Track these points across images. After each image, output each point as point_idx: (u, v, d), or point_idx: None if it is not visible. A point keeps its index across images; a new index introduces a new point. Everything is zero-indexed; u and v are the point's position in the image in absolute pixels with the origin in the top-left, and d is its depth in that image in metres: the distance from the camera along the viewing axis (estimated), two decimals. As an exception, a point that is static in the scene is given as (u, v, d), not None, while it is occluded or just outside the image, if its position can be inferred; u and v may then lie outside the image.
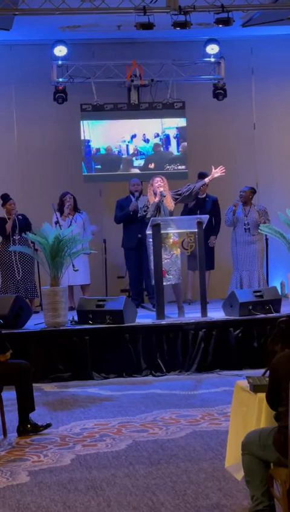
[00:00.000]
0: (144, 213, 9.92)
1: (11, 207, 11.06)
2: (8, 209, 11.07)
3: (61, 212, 11.19)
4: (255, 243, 11.21)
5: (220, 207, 11.55)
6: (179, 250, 9.86)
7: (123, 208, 11.27)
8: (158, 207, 9.87)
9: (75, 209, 11.33)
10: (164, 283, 9.84)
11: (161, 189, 9.88)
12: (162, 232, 9.66)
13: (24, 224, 10.88)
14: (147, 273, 10.93)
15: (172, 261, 9.80)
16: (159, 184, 9.92)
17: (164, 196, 9.85)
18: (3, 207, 11.14)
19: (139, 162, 12.07)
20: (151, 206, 9.88)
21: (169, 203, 9.96)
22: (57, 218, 10.80)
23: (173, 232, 9.81)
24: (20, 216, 11.05)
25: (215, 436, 6.59)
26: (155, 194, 9.93)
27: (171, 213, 9.97)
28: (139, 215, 10.17)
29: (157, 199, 9.86)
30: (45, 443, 6.63)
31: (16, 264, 10.96)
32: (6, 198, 11.13)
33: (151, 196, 9.97)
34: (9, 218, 11.02)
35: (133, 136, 12.04)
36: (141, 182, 11.76)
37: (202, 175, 11.31)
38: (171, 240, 9.82)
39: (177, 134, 12.10)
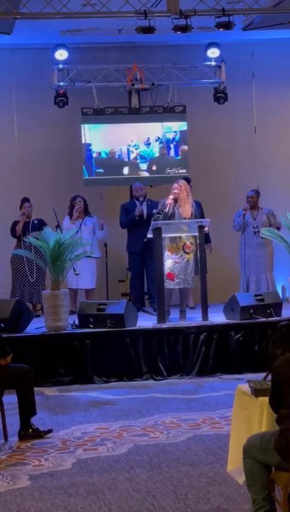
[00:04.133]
0: (157, 218, 9.91)
1: (24, 210, 11.11)
2: (21, 212, 11.13)
3: (71, 215, 11.21)
4: (265, 246, 11.21)
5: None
6: (192, 255, 9.82)
7: (128, 213, 11.25)
8: (172, 214, 9.88)
9: (86, 212, 11.33)
10: (172, 287, 9.85)
11: (170, 200, 9.86)
12: (175, 235, 9.69)
13: (39, 228, 10.79)
14: (151, 276, 10.94)
15: (182, 265, 9.79)
16: (175, 191, 9.93)
17: (171, 203, 9.88)
18: (20, 210, 11.21)
19: (141, 166, 12.05)
20: (162, 214, 9.88)
21: (186, 211, 9.95)
22: (58, 222, 10.78)
23: (186, 236, 9.79)
24: (35, 221, 11.08)
25: (216, 440, 6.59)
26: (175, 200, 9.94)
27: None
28: (153, 218, 10.14)
29: (166, 209, 9.86)
30: (46, 447, 6.62)
31: (29, 267, 10.97)
32: (22, 201, 11.25)
33: (169, 200, 9.98)
34: (21, 221, 11.08)
35: (138, 140, 12.01)
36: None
37: (186, 181, 11.28)
38: (184, 244, 9.78)
39: (178, 138, 12.09)
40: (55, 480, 5.77)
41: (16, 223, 11.15)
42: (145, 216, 11.12)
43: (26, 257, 10.86)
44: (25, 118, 12.43)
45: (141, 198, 11.26)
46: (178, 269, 9.78)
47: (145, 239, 10.91)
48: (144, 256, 11.12)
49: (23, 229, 11.03)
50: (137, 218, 11.12)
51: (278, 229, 10.84)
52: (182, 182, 10.16)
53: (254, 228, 11.20)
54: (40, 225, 10.91)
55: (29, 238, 9.93)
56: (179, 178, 10.49)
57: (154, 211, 11.00)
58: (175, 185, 10.03)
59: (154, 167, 12.04)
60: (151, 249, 10.64)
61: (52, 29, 11.16)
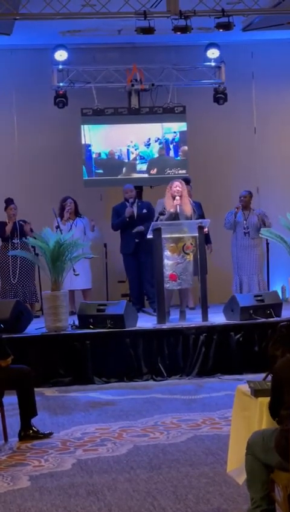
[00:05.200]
0: (159, 221, 9.90)
1: (11, 212, 11.12)
2: (9, 213, 11.14)
3: (62, 216, 11.23)
4: (255, 247, 11.24)
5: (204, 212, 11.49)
6: (191, 255, 9.83)
7: (119, 214, 11.26)
8: (177, 214, 9.88)
9: (76, 213, 11.36)
10: (174, 287, 9.85)
11: (178, 199, 9.86)
12: (176, 236, 9.70)
13: (24, 229, 10.92)
14: (147, 277, 10.95)
15: (184, 266, 9.79)
16: (178, 189, 9.92)
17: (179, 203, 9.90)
18: (5, 212, 11.20)
19: (140, 167, 12.06)
20: (167, 214, 9.87)
21: (188, 209, 9.96)
22: (58, 222, 10.82)
23: (186, 237, 9.79)
24: (21, 222, 11.11)
25: (216, 441, 6.59)
26: (173, 198, 9.92)
27: (189, 219, 9.95)
28: (154, 220, 10.12)
29: (173, 210, 9.87)
30: (46, 447, 6.62)
31: (13, 268, 11.00)
32: (8, 202, 11.22)
33: (169, 200, 9.95)
34: (9, 222, 11.08)
35: (138, 140, 12.01)
36: (141, 187, 11.77)
37: (186, 181, 11.31)
38: (184, 245, 9.78)
39: (177, 139, 12.09)
40: (55, 480, 5.77)
41: (3, 224, 11.15)
42: (135, 216, 11.13)
43: (11, 258, 10.89)
44: (25, 118, 12.44)
45: (131, 200, 11.26)
46: (180, 269, 9.77)
47: (137, 240, 10.93)
48: (138, 257, 11.13)
49: (11, 230, 11.06)
50: (127, 219, 11.12)
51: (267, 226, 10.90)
52: (180, 180, 10.18)
53: (244, 229, 11.22)
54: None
55: (29, 239, 9.96)
56: (178, 179, 10.47)
57: (144, 211, 11.04)
58: (176, 183, 10.01)
59: (154, 168, 12.03)
60: (145, 250, 10.66)
61: (51, 30, 11.16)
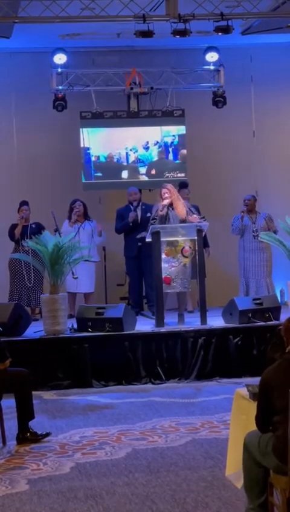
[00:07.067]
0: (153, 223, 9.90)
1: (21, 213, 11.11)
2: (19, 215, 11.13)
3: (70, 218, 11.22)
4: (264, 250, 11.20)
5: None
6: (188, 259, 9.82)
7: (123, 218, 11.26)
8: (166, 217, 9.88)
9: (85, 216, 11.34)
10: (169, 291, 9.83)
11: (166, 201, 9.90)
12: (172, 239, 9.68)
13: (37, 232, 10.78)
14: (148, 280, 10.94)
15: (179, 269, 9.78)
16: (166, 196, 9.95)
17: (167, 205, 9.88)
18: (18, 213, 11.20)
19: (139, 170, 12.04)
20: (158, 218, 9.91)
21: (181, 211, 9.96)
22: (56, 226, 10.77)
23: (183, 240, 9.78)
24: (33, 225, 11.09)
25: (215, 444, 6.59)
26: (170, 204, 9.96)
27: (183, 222, 9.95)
28: (149, 225, 10.12)
29: (162, 212, 9.89)
30: (44, 451, 6.62)
31: (27, 271, 10.98)
32: (20, 204, 11.26)
33: (165, 201, 10.00)
34: (20, 224, 11.08)
35: (137, 143, 12.02)
36: (140, 190, 11.76)
37: (183, 185, 11.30)
38: (180, 248, 9.78)
39: (176, 142, 12.10)
40: (54, 484, 5.77)
41: (13, 227, 11.16)
42: (139, 220, 11.13)
43: (24, 261, 10.87)
44: (24, 122, 12.43)
45: (135, 203, 11.26)
46: (175, 273, 9.76)
47: (139, 244, 10.93)
48: (140, 260, 11.13)
49: (21, 233, 11.04)
50: (131, 224, 11.12)
51: (275, 232, 10.85)
52: (169, 185, 10.20)
53: (253, 232, 11.19)
54: (38, 229, 10.91)
55: (28, 242, 9.93)
56: (169, 183, 10.49)
57: (149, 215, 11.05)
58: (163, 190, 10.07)
59: (153, 171, 12.04)
60: (147, 253, 10.66)
61: (51, 33, 11.16)
